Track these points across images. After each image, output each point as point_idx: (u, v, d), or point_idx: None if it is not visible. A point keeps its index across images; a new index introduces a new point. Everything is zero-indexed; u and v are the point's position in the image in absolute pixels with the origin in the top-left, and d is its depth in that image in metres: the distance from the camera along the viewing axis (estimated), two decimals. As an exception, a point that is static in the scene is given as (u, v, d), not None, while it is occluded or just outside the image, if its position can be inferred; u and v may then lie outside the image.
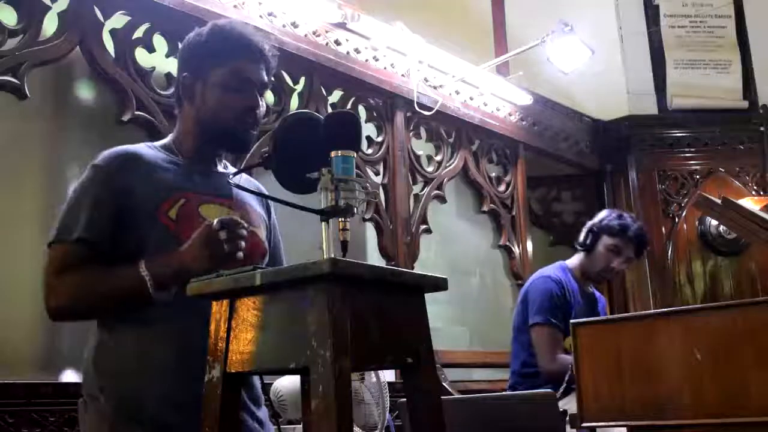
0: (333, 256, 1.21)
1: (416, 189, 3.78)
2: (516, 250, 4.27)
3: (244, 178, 1.75)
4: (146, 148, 1.63)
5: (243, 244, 1.44)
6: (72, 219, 1.51)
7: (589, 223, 3.07)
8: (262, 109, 1.66)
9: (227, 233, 1.41)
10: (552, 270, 3.03)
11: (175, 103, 1.71)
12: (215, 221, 1.43)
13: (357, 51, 3.47)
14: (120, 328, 1.53)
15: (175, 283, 1.46)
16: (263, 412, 1.66)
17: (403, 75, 3.68)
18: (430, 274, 1.37)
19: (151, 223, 1.50)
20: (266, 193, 1.75)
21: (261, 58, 1.64)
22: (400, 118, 3.69)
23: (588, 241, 3.03)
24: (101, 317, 1.56)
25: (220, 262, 1.40)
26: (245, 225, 1.46)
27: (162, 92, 2.72)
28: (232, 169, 1.73)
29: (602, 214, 3.10)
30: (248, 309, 1.26)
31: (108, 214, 1.51)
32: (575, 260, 3.10)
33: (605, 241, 3.01)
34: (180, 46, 1.70)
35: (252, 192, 1.67)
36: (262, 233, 1.69)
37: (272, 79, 1.71)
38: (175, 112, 1.71)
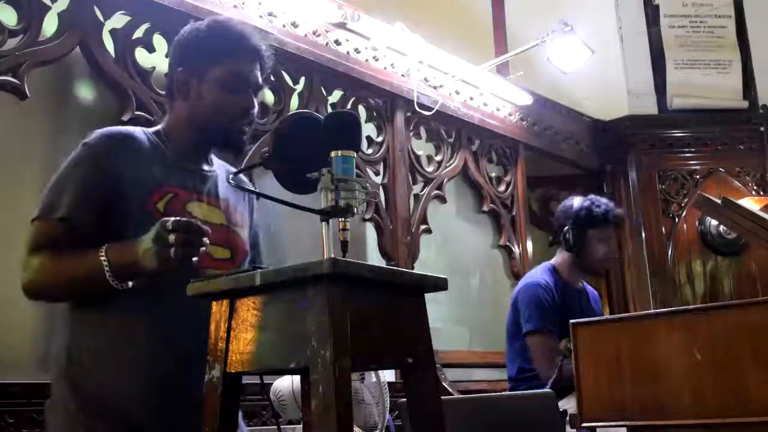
0: (333, 256, 1.21)
1: (416, 189, 3.78)
2: (516, 250, 4.27)
3: (227, 173, 1.72)
4: (141, 133, 1.61)
5: (202, 249, 1.38)
6: (57, 197, 1.49)
7: (567, 223, 2.98)
8: (257, 109, 1.65)
9: (177, 237, 1.35)
10: (538, 274, 2.98)
11: (166, 97, 1.68)
12: (171, 220, 1.36)
13: (357, 51, 3.47)
14: (98, 324, 1.49)
15: (129, 272, 1.42)
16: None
17: (403, 75, 3.68)
18: (430, 274, 1.37)
19: (140, 211, 1.48)
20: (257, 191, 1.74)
21: (258, 58, 1.63)
22: (400, 118, 3.69)
23: (576, 241, 2.96)
24: (70, 299, 1.53)
25: (169, 263, 1.36)
26: (206, 231, 1.38)
27: (162, 92, 2.71)
28: (218, 167, 1.71)
29: (572, 207, 3.00)
30: (248, 309, 1.26)
31: (94, 195, 1.48)
32: (560, 259, 3.04)
33: (591, 234, 2.95)
34: (175, 39, 1.67)
35: (252, 192, 1.66)
36: (245, 233, 1.68)
37: (270, 78, 1.70)
38: (165, 105, 1.70)
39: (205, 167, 1.67)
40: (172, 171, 1.58)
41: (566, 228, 2.99)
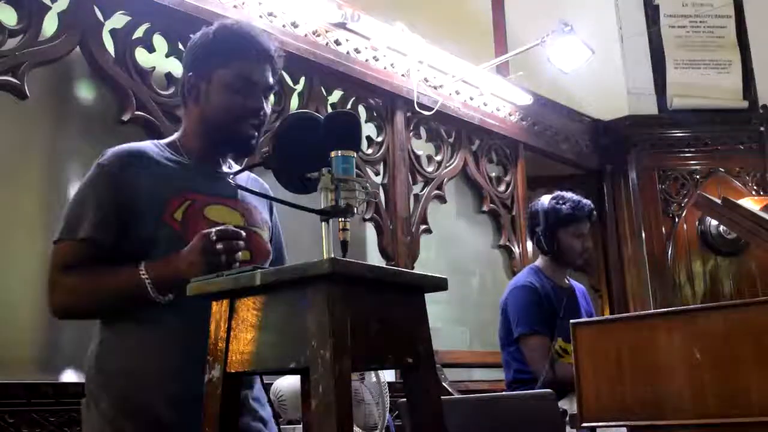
0: (333, 256, 1.21)
1: (416, 189, 3.78)
2: (516, 250, 4.27)
3: (250, 177, 1.76)
4: (152, 146, 1.63)
5: (240, 254, 1.43)
6: (77, 217, 1.52)
7: (537, 228, 2.96)
8: (267, 111, 1.65)
9: (224, 244, 1.41)
10: (524, 277, 2.96)
11: (180, 103, 1.71)
12: (213, 231, 1.42)
13: (357, 51, 3.47)
14: (124, 326, 1.53)
15: (172, 286, 1.46)
16: (267, 411, 1.65)
17: (403, 75, 3.68)
18: (430, 274, 1.37)
19: (157, 224, 1.51)
20: (270, 192, 1.75)
21: (267, 59, 1.64)
22: (400, 118, 3.69)
23: (551, 245, 2.93)
24: (103, 316, 1.56)
25: (217, 271, 1.39)
26: (243, 234, 1.45)
27: (162, 92, 2.72)
28: (236, 168, 1.73)
29: (539, 209, 2.96)
30: (248, 309, 1.26)
31: (114, 214, 1.51)
32: (542, 260, 3.02)
33: (563, 233, 2.92)
34: (185, 45, 1.71)
35: (252, 192, 1.67)
36: (266, 234, 1.69)
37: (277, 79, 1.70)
38: (179, 112, 1.72)
39: (223, 169, 1.68)
40: (189, 177, 1.60)
41: (538, 232, 2.97)
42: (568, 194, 2.99)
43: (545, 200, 3.00)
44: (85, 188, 1.55)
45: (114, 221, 1.51)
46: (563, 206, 2.93)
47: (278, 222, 1.80)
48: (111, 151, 1.59)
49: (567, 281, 3.05)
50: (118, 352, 1.52)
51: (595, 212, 3.03)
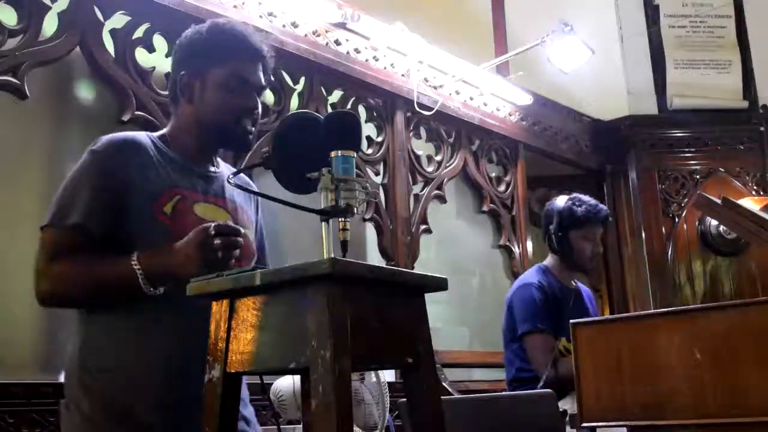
0: (333, 256, 1.21)
1: (416, 189, 3.78)
2: (516, 250, 4.27)
3: (241, 177, 1.75)
4: (146, 137, 1.61)
5: (237, 252, 1.41)
6: (68, 204, 1.49)
7: (550, 227, 2.96)
8: (260, 109, 1.66)
9: (222, 239, 1.39)
10: (531, 275, 2.97)
11: (170, 100, 1.69)
12: (212, 226, 1.40)
13: (357, 51, 3.47)
14: (110, 324, 1.50)
15: (165, 279, 1.45)
16: (249, 410, 1.65)
17: (403, 75, 3.68)
18: (430, 274, 1.37)
19: (147, 216, 1.49)
20: (255, 189, 1.75)
21: (259, 59, 1.64)
22: (400, 118, 3.69)
23: (562, 245, 2.94)
24: (90, 306, 1.53)
25: (212, 267, 1.37)
26: (241, 231, 1.43)
27: (162, 92, 2.72)
28: (224, 168, 1.72)
29: (554, 209, 2.97)
30: (248, 309, 1.26)
31: (106, 202, 1.49)
32: (551, 260, 3.02)
33: (574, 235, 2.93)
34: (177, 42, 1.69)
35: (252, 192, 1.67)
36: (251, 234, 1.69)
37: (271, 79, 1.70)
38: (170, 109, 1.71)
39: (211, 168, 1.68)
40: (179, 173, 1.59)
41: (550, 230, 2.97)
42: (585, 197, 3.01)
43: (561, 200, 3.01)
44: (77, 175, 1.53)
45: (105, 209, 1.48)
46: (579, 208, 2.94)
47: (263, 223, 1.79)
48: (105, 138, 1.57)
49: (573, 283, 3.05)
50: (101, 352, 1.49)
51: (610, 218, 3.03)
